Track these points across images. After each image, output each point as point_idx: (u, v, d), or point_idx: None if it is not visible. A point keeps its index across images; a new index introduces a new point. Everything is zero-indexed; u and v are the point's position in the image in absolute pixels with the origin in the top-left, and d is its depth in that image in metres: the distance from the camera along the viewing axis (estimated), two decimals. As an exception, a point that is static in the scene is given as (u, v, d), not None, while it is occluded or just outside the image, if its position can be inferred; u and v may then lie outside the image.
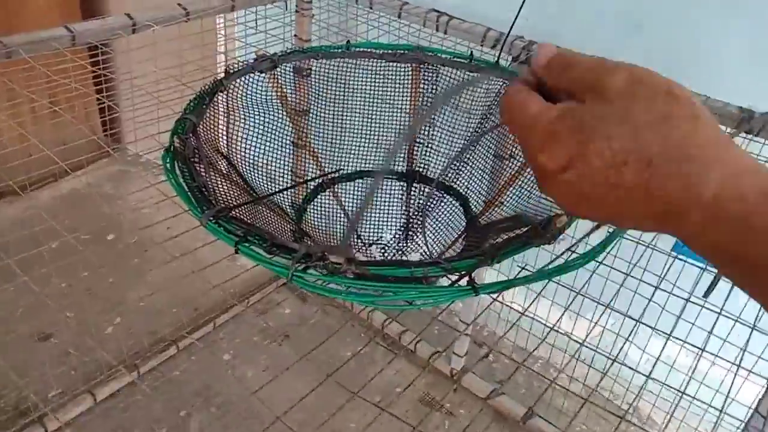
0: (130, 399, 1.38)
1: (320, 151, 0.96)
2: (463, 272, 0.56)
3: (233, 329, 1.63)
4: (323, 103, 0.96)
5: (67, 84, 1.03)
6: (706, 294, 0.85)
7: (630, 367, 1.36)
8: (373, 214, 0.96)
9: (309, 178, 0.91)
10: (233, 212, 0.64)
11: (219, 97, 0.81)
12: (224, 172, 0.74)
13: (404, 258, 0.90)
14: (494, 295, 0.90)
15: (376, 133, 0.96)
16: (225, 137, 0.80)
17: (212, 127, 0.78)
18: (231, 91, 0.83)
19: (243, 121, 0.88)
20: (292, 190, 0.89)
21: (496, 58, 0.96)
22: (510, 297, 1.40)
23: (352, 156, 0.96)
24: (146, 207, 1.68)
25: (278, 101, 0.91)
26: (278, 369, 1.50)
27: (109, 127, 1.91)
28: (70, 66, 1.02)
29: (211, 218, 0.59)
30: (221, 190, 0.69)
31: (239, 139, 0.84)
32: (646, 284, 1.07)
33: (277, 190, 0.82)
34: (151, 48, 1.13)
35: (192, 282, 1.55)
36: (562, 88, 0.34)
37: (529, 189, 0.80)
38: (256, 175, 0.87)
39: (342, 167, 0.96)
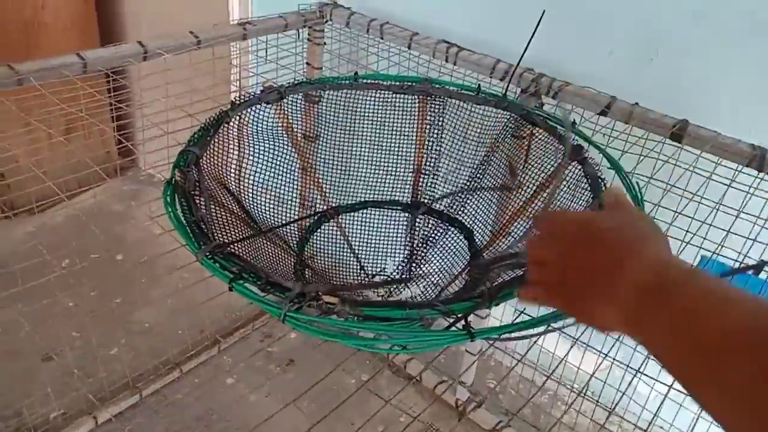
0: (132, 422, 1.37)
1: (326, 180, 0.96)
2: (459, 315, 0.55)
3: (238, 353, 1.62)
4: (331, 130, 0.96)
5: (76, 112, 1.04)
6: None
7: (638, 404, 1.33)
8: (377, 244, 0.95)
9: (310, 213, 0.90)
10: (231, 247, 0.64)
11: (224, 129, 0.81)
12: (227, 205, 0.74)
13: (405, 291, 0.89)
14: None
15: (383, 162, 0.96)
16: (230, 169, 0.81)
17: (217, 159, 0.78)
18: (237, 122, 0.83)
19: (249, 152, 0.88)
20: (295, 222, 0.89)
21: (504, 91, 0.95)
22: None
23: (357, 185, 0.96)
24: (156, 228, 1.69)
25: (284, 132, 0.91)
26: (282, 394, 1.49)
27: (124, 148, 1.92)
28: (81, 93, 1.03)
29: (207, 254, 0.59)
30: (221, 223, 0.69)
31: (245, 170, 0.84)
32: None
33: (277, 225, 0.82)
34: (163, 75, 1.14)
35: (199, 304, 1.55)
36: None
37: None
38: (262, 206, 0.88)
39: (347, 197, 0.96)
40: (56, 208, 1.94)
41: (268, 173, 0.91)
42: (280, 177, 0.91)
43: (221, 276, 0.58)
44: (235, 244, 0.67)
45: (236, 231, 0.71)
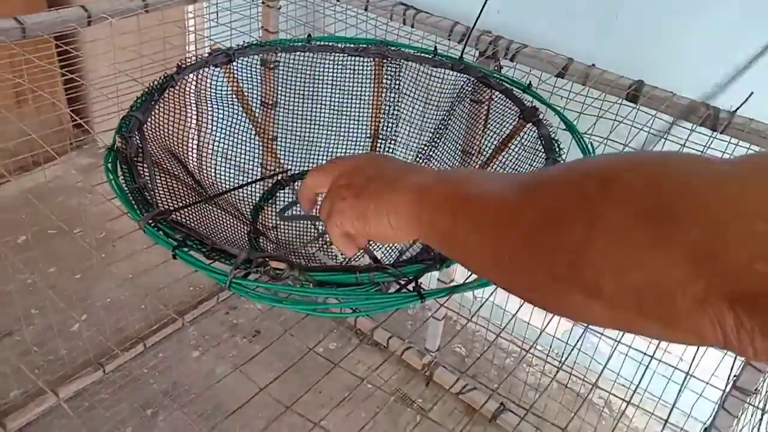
0: (95, 398, 1.36)
1: (281, 146, 0.94)
2: (410, 278, 0.54)
3: (203, 326, 1.61)
4: (289, 96, 0.94)
5: (22, 81, 0.99)
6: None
7: (598, 362, 1.36)
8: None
9: (259, 177, 0.88)
10: (177, 215, 0.62)
11: (170, 93, 0.78)
12: (174, 172, 0.71)
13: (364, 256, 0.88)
14: (442, 299, 0.89)
15: (340, 128, 0.94)
16: (177, 135, 0.78)
17: (162, 124, 0.76)
18: (183, 86, 0.80)
19: (199, 117, 0.86)
20: (251, 189, 0.87)
21: (460, 53, 0.94)
22: (480, 291, 1.39)
23: (314, 151, 0.94)
24: (115, 200, 1.64)
25: (234, 96, 0.88)
26: (248, 366, 1.48)
27: (78, 118, 1.86)
28: (21, 59, 0.98)
29: (150, 222, 0.57)
30: (167, 190, 0.67)
31: (194, 137, 0.82)
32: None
33: (224, 190, 0.80)
34: (110, 41, 1.10)
35: (160, 277, 1.52)
36: None
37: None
38: (214, 174, 0.85)
39: (303, 163, 0.94)
40: (10, 184, 1.88)
41: (221, 140, 0.88)
42: (233, 143, 0.89)
43: (164, 244, 0.56)
44: (182, 213, 0.65)
45: (183, 198, 0.68)
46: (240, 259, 0.53)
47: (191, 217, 0.66)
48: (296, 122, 0.94)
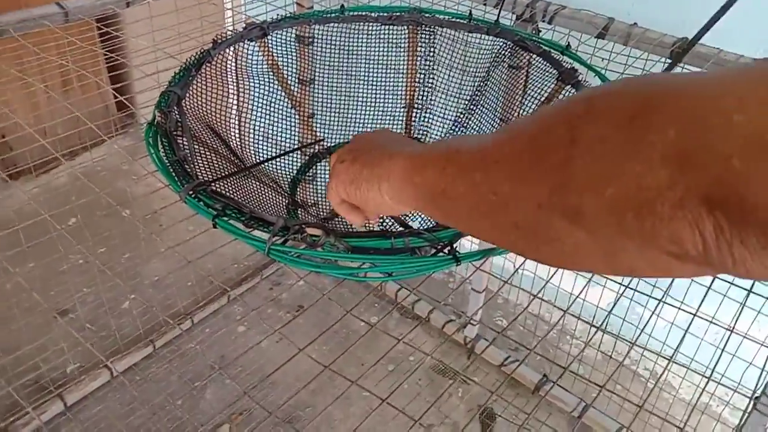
0: (146, 372, 1.41)
1: (321, 121, 0.94)
2: (445, 242, 0.54)
3: (248, 301, 1.64)
4: (325, 71, 0.94)
5: (66, 63, 1.02)
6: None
7: (646, 333, 1.34)
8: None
9: (295, 147, 0.89)
10: (215, 186, 0.63)
11: (207, 68, 0.79)
12: (212, 145, 0.72)
13: (405, 228, 0.88)
14: (478, 263, 0.88)
15: (374, 99, 0.94)
16: (215, 109, 0.79)
17: (200, 98, 0.77)
18: (220, 61, 0.81)
19: (236, 92, 0.87)
20: (288, 162, 0.88)
21: (496, 17, 0.92)
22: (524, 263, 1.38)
23: (349, 124, 0.94)
24: (160, 182, 1.68)
25: (270, 70, 0.89)
26: (293, 339, 1.51)
27: (122, 103, 1.91)
28: (65, 42, 1.01)
29: (190, 192, 0.58)
30: (206, 163, 0.68)
31: (232, 110, 0.83)
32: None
33: (261, 161, 0.81)
34: (149, 21, 1.12)
35: (207, 256, 1.56)
36: None
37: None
38: (252, 147, 0.86)
39: (339, 136, 0.94)
40: (60, 168, 1.95)
41: (259, 115, 0.89)
42: (271, 119, 0.89)
43: (204, 213, 0.57)
44: (221, 183, 0.66)
45: (222, 170, 0.69)
46: (278, 226, 0.54)
47: (230, 188, 0.67)
48: (333, 97, 0.94)
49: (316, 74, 0.94)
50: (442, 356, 1.52)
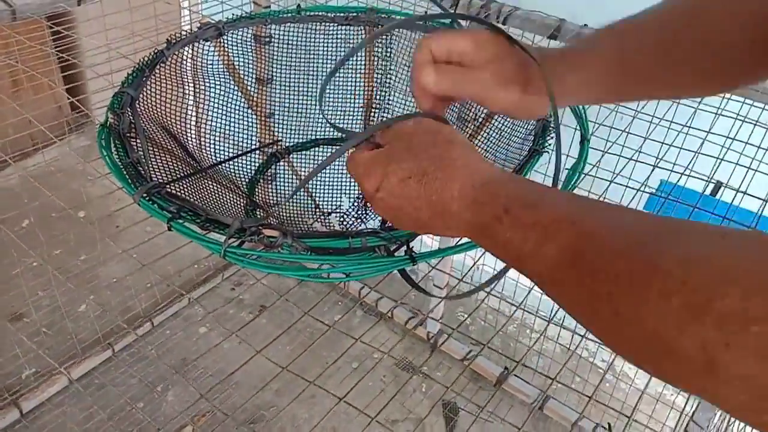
0: (105, 377, 1.38)
1: (279, 121, 0.94)
2: (402, 241, 0.55)
3: (209, 303, 1.63)
4: (282, 70, 0.94)
5: (14, 63, 0.99)
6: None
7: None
8: (331, 182, 0.94)
9: (253, 148, 0.89)
10: (171, 188, 0.62)
11: (162, 68, 0.78)
12: (167, 147, 0.72)
13: (360, 224, 0.89)
14: (435, 262, 0.89)
15: (333, 99, 0.94)
16: (169, 111, 0.78)
17: (155, 99, 0.76)
18: (175, 61, 0.80)
19: (191, 93, 0.86)
20: (246, 163, 0.87)
21: (451, 19, 0.93)
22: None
23: (308, 124, 0.94)
24: (116, 184, 1.64)
25: (227, 70, 0.88)
26: (256, 340, 1.50)
27: (75, 99, 1.86)
28: (13, 41, 0.98)
29: (144, 195, 0.57)
30: (161, 165, 0.67)
31: (188, 111, 0.82)
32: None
33: (217, 162, 0.80)
34: (102, 20, 1.10)
35: (165, 257, 1.53)
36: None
37: (493, 142, 0.78)
38: (208, 149, 0.86)
39: (298, 136, 0.94)
40: (10, 169, 1.89)
41: (215, 114, 0.88)
42: (229, 119, 0.89)
43: (159, 216, 0.56)
44: (177, 186, 0.65)
45: (177, 172, 0.69)
46: (233, 228, 0.54)
47: (186, 190, 0.67)
48: (291, 97, 0.94)
49: (274, 74, 0.94)
50: (406, 352, 1.54)
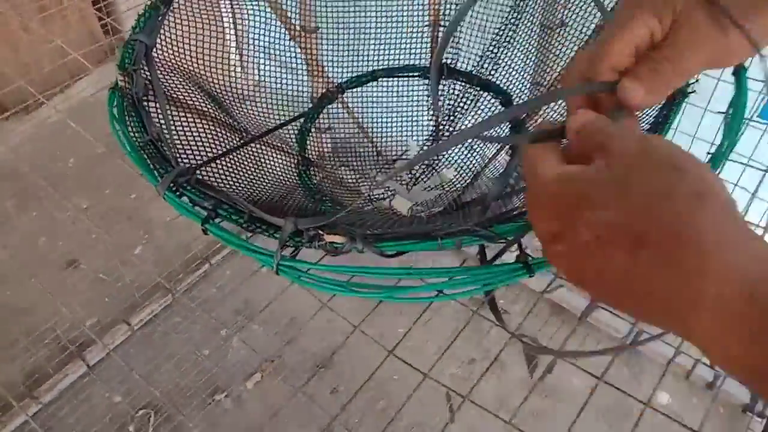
0: (168, 322, 1.33)
1: (325, 51, 0.78)
2: (510, 238, 0.41)
3: (269, 241, 1.54)
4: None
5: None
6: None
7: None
8: (393, 122, 0.79)
9: (304, 110, 0.73)
10: (204, 172, 0.50)
11: (182, 2, 0.63)
12: (197, 106, 0.58)
13: (432, 178, 0.74)
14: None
15: (389, 19, 0.77)
16: (197, 53, 0.63)
17: (177, 43, 0.61)
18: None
19: (223, 30, 0.70)
20: (291, 107, 0.73)
21: None
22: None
23: (363, 53, 0.78)
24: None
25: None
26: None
27: (106, 24, 1.72)
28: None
29: (171, 185, 0.45)
30: (191, 135, 0.54)
31: (218, 55, 0.67)
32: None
33: (261, 132, 0.65)
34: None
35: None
36: (584, 154, 0.30)
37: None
38: (248, 102, 0.71)
39: (352, 69, 0.78)
40: (52, 103, 1.80)
41: (251, 52, 0.73)
42: (267, 54, 0.74)
43: (191, 216, 0.44)
44: (212, 165, 0.52)
45: (212, 141, 0.56)
46: (286, 233, 0.41)
47: (223, 166, 0.54)
48: (336, 20, 0.77)
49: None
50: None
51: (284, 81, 0.71)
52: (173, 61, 0.59)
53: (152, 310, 1.33)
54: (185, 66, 0.61)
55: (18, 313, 1.32)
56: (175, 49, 0.60)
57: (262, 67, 0.71)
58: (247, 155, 0.58)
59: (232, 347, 1.31)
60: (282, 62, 0.72)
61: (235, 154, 0.56)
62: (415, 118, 0.78)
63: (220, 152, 0.54)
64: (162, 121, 0.50)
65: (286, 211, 0.54)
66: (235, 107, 0.64)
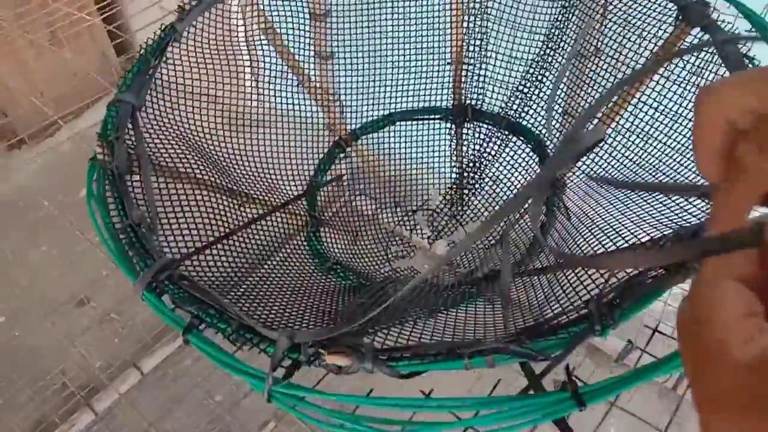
0: (178, 366, 1.27)
1: (339, 95, 0.71)
2: (552, 356, 0.33)
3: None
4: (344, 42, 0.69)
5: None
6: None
7: None
8: (413, 169, 0.72)
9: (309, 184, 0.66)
10: (189, 264, 0.43)
11: (175, 51, 0.57)
12: (190, 173, 0.51)
13: (456, 233, 0.67)
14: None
15: (409, 57, 0.70)
16: (194, 114, 0.57)
17: (169, 100, 0.55)
18: (193, 38, 0.58)
19: (223, 77, 0.64)
20: (300, 158, 0.66)
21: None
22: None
23: (378, 95, 0.71)
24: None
25: (266, 38, 0.65)
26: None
27: (120, 41, 1.67)
28: None
29: (150, 283, 0.38)
30: (181, 215, 0.47)
31: (218, 109, 0.61)
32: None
33: (259, 216, 0.58)
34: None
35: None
36: None
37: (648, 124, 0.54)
38: (251, 157, 0.64)
39: (368, 112, 0.71)
40: (63, 130, 1.76)
41: (264, 97, 0.67)
42: (280, 101, 0.67)
43: (171, 322, 0.37)
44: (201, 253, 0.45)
45: (206, 220, 0.49)
46: (280, 350, 0.34)
47: (215, 249, 0.47)
48: (350, 61, 0.70)
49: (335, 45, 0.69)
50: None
51: (294, 131, 0.64)
52: (160, 116, 0.53)
53: (163, 353, 1.27)
54: (172, 121, 0.54)
55: (27, 355, 1.27)
56: (163, 104, 0.54)
57: (272, 114, 0.65)
58: (245, 235, 0.52)
59: (245, 393, 1.24)
60: (292, 106, 0.65)
61: (228, 238, 0.49)
62: (435, 165, 0.71)
63: (212, 236, 0.47)
64: (144, 202, 0.44)
65: (286, 304, 0.47)
66: (235, 166, 0.57)
